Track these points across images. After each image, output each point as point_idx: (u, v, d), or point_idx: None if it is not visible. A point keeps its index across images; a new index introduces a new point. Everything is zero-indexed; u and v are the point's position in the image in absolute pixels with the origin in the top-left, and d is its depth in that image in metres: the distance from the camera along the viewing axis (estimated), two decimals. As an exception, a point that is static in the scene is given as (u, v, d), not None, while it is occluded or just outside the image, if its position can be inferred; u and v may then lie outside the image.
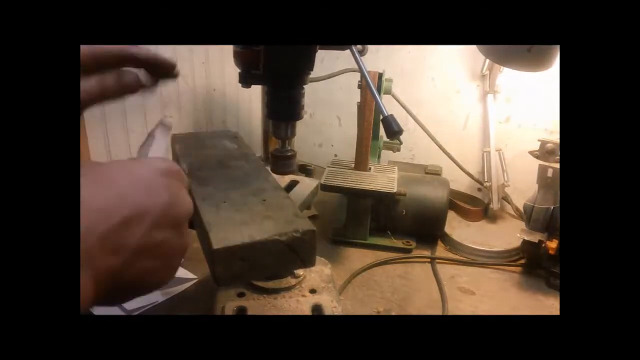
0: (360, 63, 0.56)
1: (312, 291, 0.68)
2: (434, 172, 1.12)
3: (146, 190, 0.31)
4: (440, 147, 1.21)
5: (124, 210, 0.29)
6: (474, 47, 1.04)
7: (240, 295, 0.67)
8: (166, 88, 1.13)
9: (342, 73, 1.21)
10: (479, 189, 1.25)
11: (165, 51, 1.10)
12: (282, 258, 0.44)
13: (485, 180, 1.16)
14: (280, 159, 0.64)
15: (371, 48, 0.73)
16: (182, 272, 0.85)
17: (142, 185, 0.31)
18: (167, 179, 0.33)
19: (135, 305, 0.75)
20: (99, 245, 0.27)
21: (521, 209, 1.04)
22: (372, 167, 1.05)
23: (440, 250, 1.03)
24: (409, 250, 1.00)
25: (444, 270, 0.94)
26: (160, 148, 0.43)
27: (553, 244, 0.85)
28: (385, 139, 1.10)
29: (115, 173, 0.30)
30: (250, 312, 0.63)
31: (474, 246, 1.00)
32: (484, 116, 1.20)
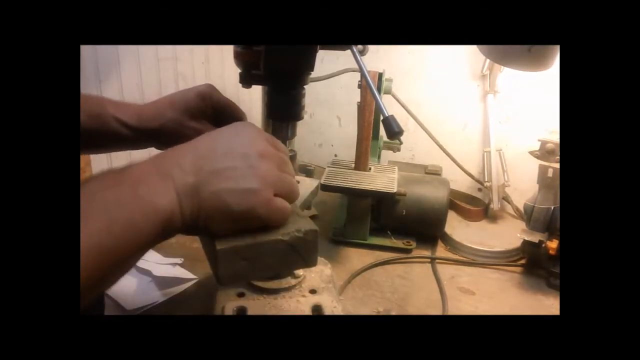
0: (361, 63, 0.56)
1: (312, 291, 0.68)
2: (434, 172, 1.12)
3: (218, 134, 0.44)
4: (440, 147, 1.21)
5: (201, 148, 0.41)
6: (474, 47, 1.04)
7: (240, 295, 0.67)
8: (166, 88, 1.13)
9: (343, 73, 1.21)
10: (479, 189, 1.25)
11: (166, 50, 1.10)
12: (284, 258, 0.44)
13: (486, 180, 1.16)
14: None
15: (371, 48, 0.73)
16: (182, 272, 0.85)
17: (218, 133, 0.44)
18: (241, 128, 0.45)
19: (135, 305, 0.75)
20: (178, 168, 0.38)
21: (521, 209, 1.04)
22: (372, 167, 1.05)
23: (441, 250, 1.03)
24: (409, 251, 1.00)
25: (444, 270, 0.94)
26: None
27: (553, 244, 0.85)
28: (385, 139, 1.10)
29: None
30: (250, 312, 0.63)
31: (474, 246, 1.00)
32: (484, 116, 1.20)
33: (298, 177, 0.83)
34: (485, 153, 1.17)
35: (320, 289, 0.68)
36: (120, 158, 1.05)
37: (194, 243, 0.96)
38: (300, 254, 0.45)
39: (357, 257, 0.97)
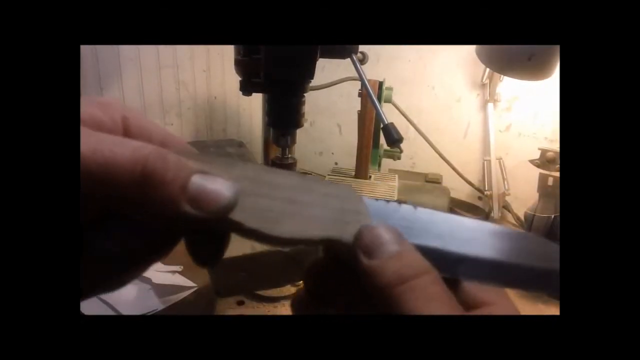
0: (361, 71, 0.56)
1: (312, 300, 0.68)
2: (435, 181, 1.12)
3: None
4: (440, 155, 1.21)
5: None
6: (474, 55, 1.05)
7: (240, 303, 0.67)
8: (167, 95, 1.13)
9: (343, 81, 1.21)
10: (480, 198, 1.25)
11: (167, 58, 1.10)
12: (284, 269, 0.44)
13: (486, 188, 1.16)
14: (281, 168, 0.64)
15: (371, 57, 0.73)
16: (181, 280, 0.85)
17: None
18: None
19: (133, 313, 0.75)
20: None
21: (522, 217, 1.04)
22: (373, 176, 1.05)
23: (441, 259, 1.02)
24: (409, 259, 0.99)
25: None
26: None
27: (554, 253, 0.85)
28: (385, 147, 1.10)
29: None
30: (249, 321, 0.62)
31: (474, 255, 0.99)
32: (485, 125, 1.20)
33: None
34: (485, 162, 1.17)
35: (320, 298, 0.68)
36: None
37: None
38: (301, 266, 0.45)
39: (357, 266, 0.97)
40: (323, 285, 0.28)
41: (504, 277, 0.28)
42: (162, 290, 0.81)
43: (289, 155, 0.65)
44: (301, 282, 0.70)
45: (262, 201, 0.23)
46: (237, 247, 0.43)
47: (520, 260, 0.28)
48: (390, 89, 1.06)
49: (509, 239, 0.29)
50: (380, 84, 1.01)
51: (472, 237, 0.27)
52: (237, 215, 0.22)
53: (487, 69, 1.12)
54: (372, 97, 0.56)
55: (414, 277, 0.23)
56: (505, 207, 1.17)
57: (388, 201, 0.27)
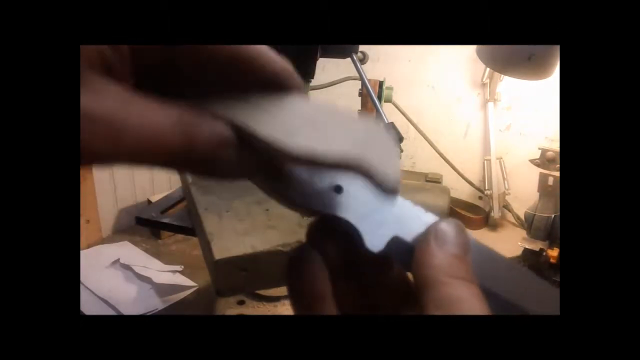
0: (361, 71, 0.56)
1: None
2: (435, 180, 1.12)
3: None
4: (440, 155, 1.21)
5: None
6: (474, 55, 1.05)
7: (240, 303, 0.67)
8: (167, 95, 1.13)
9: (343, 81, 1.21)
10: (480, 197, 1.25)
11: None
12: (284, 269, 0.44)
13: (486, 188, 1.16)
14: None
15: (372, 56, 0.73)
16: (182, 280, 0.85)
17: None
18: None
19: (134, 312, 0.75)
20: None
21: (522, 217, 1.04)
22: (373, 175, 1.05)
23: (441, 259, 1.02)
24: (409, 259, 0.99)
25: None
26: None
27: (554, 253, 0.85)
28: (385, 146, 1.09)
29: None
30: (249, 321, 0.63)
31: (474, 254, 0.99)
32: (485, 124, 1.20)
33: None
34: (485, 161, 1.17)
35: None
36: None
37: (194, 250, 0.95)
38: None
39: (357, 265, 0.97)
40: (325, 243, 0.27)
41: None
42: (163, 289, 0.81)
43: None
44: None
45: (281, 117, 0.20)
46: (237, 247, 0.43)
47: (512, 297, 0.28)
48: (390, 88, 1.06)
49: (507, 270, 0.28)
50: (381, 83, 1.01)
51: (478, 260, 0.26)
52: (251, 126, 0.20)
53: (488, 69, 1.12)
54: (372, 96, 0.56)
55: (469, 281, 0.22)
56: (506, 206, 1.17)
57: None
